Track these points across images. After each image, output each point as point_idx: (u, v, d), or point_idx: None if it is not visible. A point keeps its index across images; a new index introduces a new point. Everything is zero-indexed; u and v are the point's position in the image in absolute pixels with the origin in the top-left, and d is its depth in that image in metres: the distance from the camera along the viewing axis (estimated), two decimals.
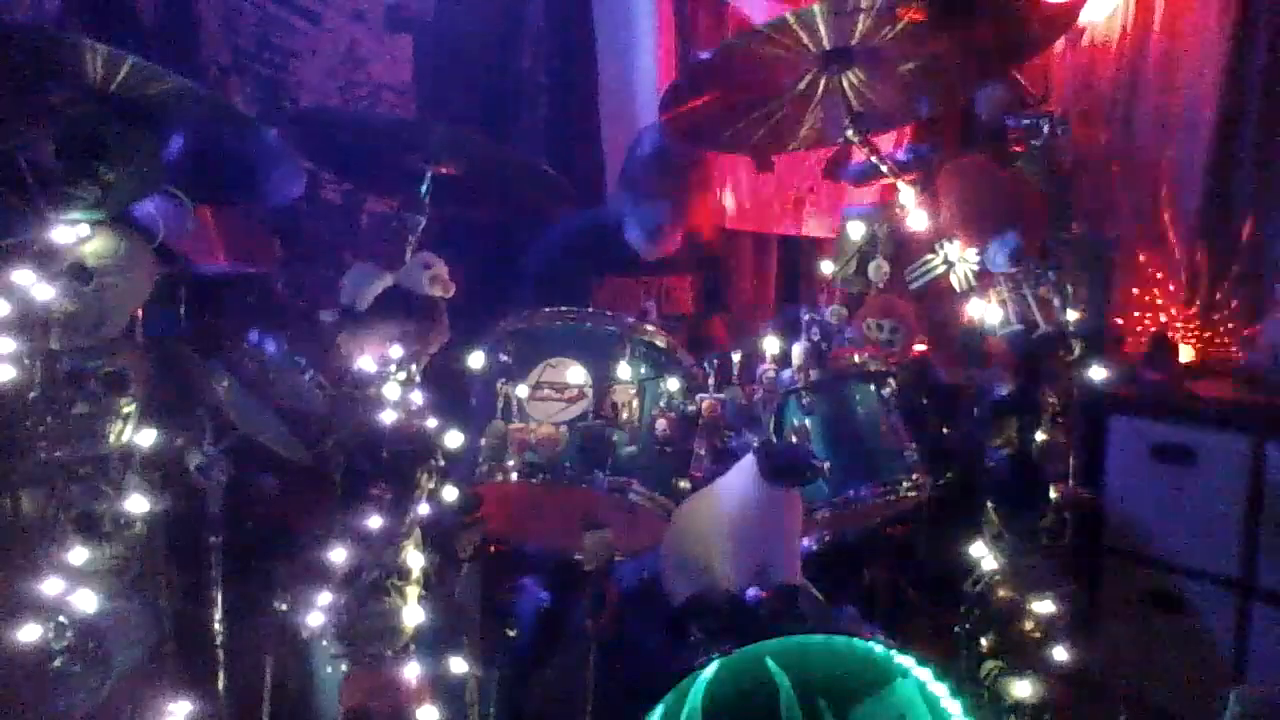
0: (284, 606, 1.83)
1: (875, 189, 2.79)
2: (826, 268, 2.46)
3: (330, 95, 2.89)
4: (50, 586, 1.50)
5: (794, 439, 2.02)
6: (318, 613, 1.73)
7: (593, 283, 2.66)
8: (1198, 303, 3.10)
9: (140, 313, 1.71)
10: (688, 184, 2.66)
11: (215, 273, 2.24)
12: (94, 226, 1.59)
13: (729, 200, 3.37)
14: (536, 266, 2.76)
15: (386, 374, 1.83)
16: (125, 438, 1.64)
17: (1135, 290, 3.24)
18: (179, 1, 2.56)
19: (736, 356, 2.18)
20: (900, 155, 2.38)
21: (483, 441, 1.95)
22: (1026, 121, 2.32)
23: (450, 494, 1.85)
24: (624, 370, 1.97)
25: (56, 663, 1.53)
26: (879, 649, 1.48)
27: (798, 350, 2.08)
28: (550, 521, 2.10)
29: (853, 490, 2.01)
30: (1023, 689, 1.97)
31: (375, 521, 1.70)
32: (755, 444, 1.88)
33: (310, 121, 2.58)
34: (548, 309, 2.07)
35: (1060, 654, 2.01)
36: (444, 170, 2.14)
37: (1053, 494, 2.07)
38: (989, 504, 2.07)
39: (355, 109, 2.90)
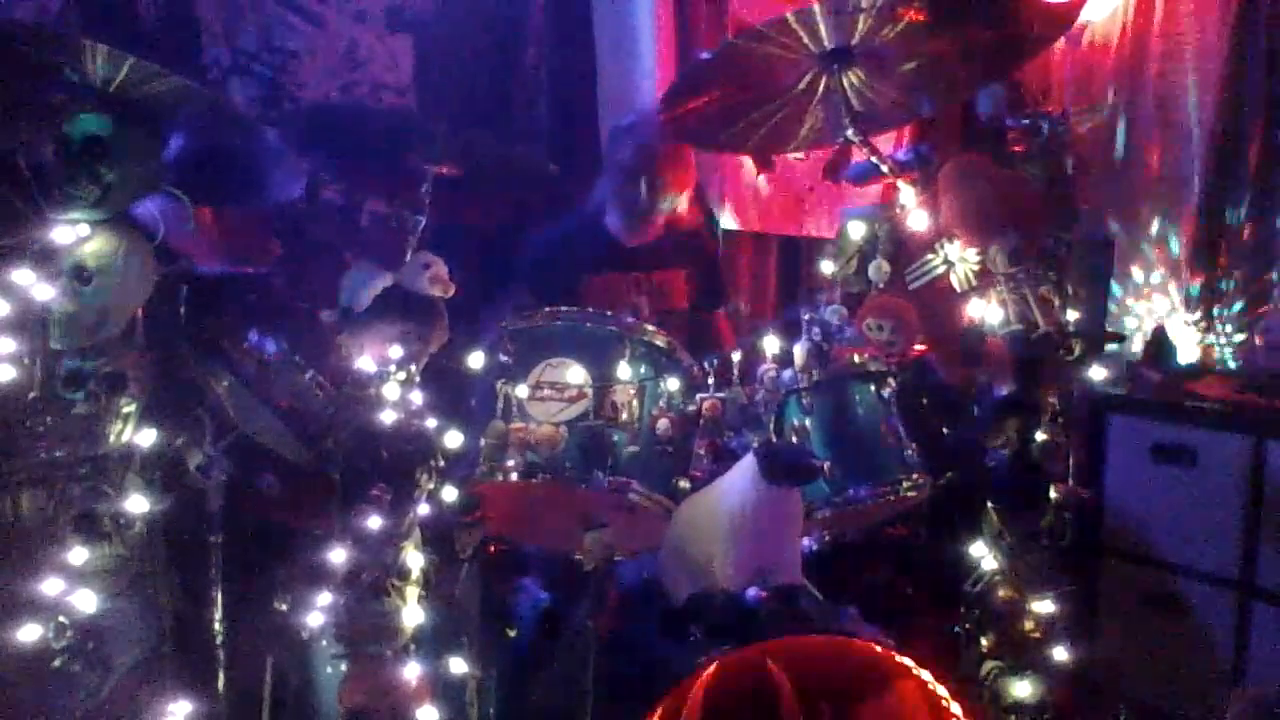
0: (284, 606, 1.83)
1: (875, 189, 2.79)
2: (826, 268, 2.46)
3: (330, 95, 2.89)
4: (50, 586, 1.50)
5: (794, 439, 2.03)
6: (318, 613, 1.74)
7: (583, 278, 2.66)
8: (1198, 303, 3.10)
9: (140, 313, 1.71)
10: (664, 166, 2.65)
11: (215, 273, 2.23)
12: (94, 226, 1.59)
13: (728, 201, 3.36)
14: (528, 263, 2.76)
15: (386, 374, 1.83)
16: (125, 438, 1.64)
17: (1135, 290, 3.24)
18: (179, 1, 2.56)
19: (737, 356, 2.18)
20: (900, 155, 2.38)
21: (483, 441, 1.94)
22: (1026, 121, 2.32)
23: (450, 494, 1.85)
24: (624, 370, 1.97)
25: (56, 663, 1.53)
26: (879, 649, 1.48)
27: (799, 350, 2.08)
28: (550, 521, 2.10)
29: (853, 490, 2.01)
30: (1023, 689, 1.97)
31: (375, 521, 1.70)
32: (755, 444, 1.88)
33: (312, 118, 2.57)
34: (548, 309, 2.07)
35: (1060, 654, 2.01)
36: (444, 171, 2.14)
37: (1053, 494, 2.07)
38: (989, 504, 2.08)
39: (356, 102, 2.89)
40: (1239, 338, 3.03)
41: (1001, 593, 2.03)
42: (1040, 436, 2.07)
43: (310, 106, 2.82)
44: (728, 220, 3.36)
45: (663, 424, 1.98)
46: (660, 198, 2.66)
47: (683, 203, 2.78)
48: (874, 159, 2.19)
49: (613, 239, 2.72)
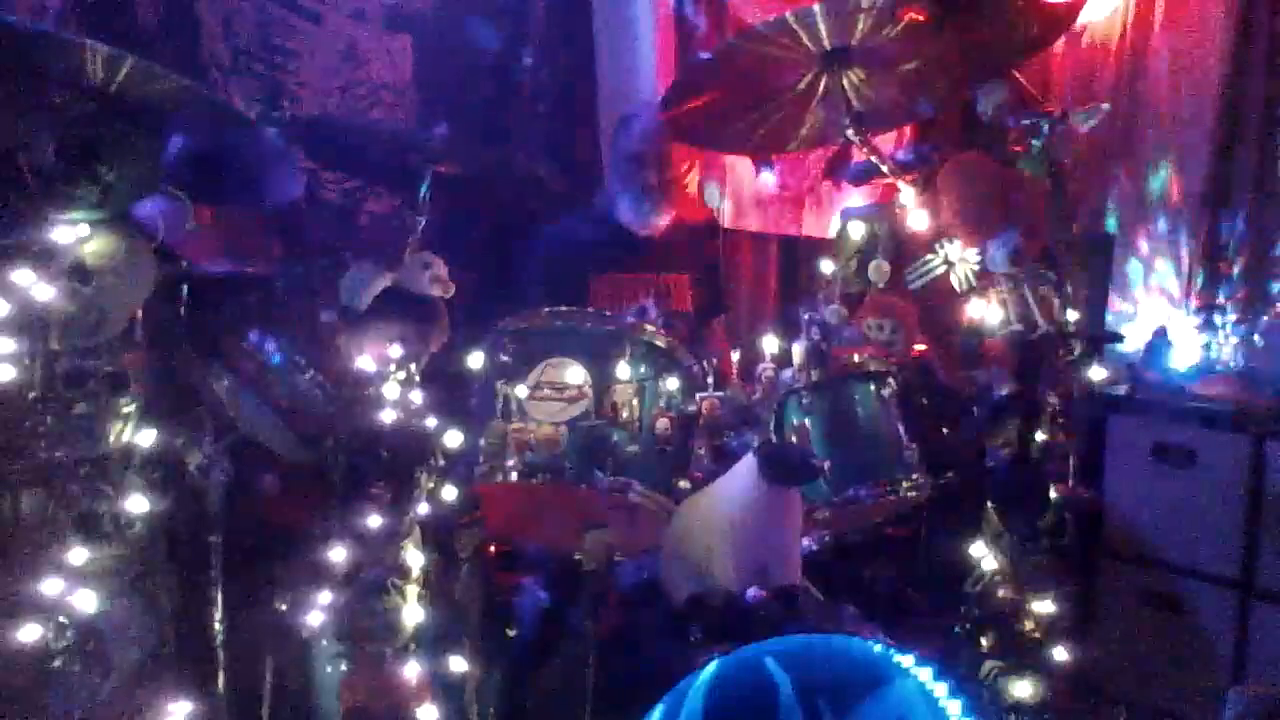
0: (284, 606, 1.83)
1: (875, 189, 2.79)
2: (826, 268, 2.46)
3: (330, 95, 2.89)
4: (50, 586, 1.50)
5: (794, 439, 2.02)
6: (318, 612, 1.73)
7: (591, 280, 2.66)
8: (1198, 303, 3.10)
9: (140, 313, 1.71)
10: (667, 144, 2.66)
11: (215, 273, 2.23)
12: (94, 226, 1.59)
13: (728, 201, 3.36)
14: (539, 266, 2.76)
15: (386, 374, 1.82)
16: (125, 438, 1.64)
17: (1135, 290, 3.24)
18: (179, 1, 2.56)
19: (736, 356, 2.18)
20: (900, 155, 2.38)
21: (483, 441, 1.94)
22: (1026, 121, 2.32)
23: (450, 494, 1.85)
24: (624, 370, 1.97)
25: (56, 663, 1.53)
26: (879, 649, 1.48)
27: (798, 350, 2.08)
28: (550, 521, 2.09)
29: (853, 490, 2.01)
30: (1023, 689, 1.97)
31: (375, 521, 1.70)
32: (755, 444, 1.88)
33: (312, 132, 2.57)
34: (547, 309, 2.07)
35: (1060, 654, 2.01)
36: (444, 170, 2.14)
37: (1053, 494, 2.07)
38: (989, 504, 2.08)
39: (357, 115, 2.89)
40: (1239, 338, 3.03)
41: (1001, 593, 2.03)
42: (1040, 436, 2.07)
43: (310, 120, 2.82)
44: (728, 220, 3.36)
45: (663, 424, 1.98)
46: (669, 181, 2.67)
47: (691, 185, 2.79)
48: (874, 159, 2.19)
49: (621, 240, 2.72)
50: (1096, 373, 2.22)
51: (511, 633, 2.20)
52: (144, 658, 1.67)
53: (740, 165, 3.34)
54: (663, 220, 2.71)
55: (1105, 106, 3.00)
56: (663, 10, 3.26)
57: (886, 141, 2.92)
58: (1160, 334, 3.02)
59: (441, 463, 1.81)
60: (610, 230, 2.74)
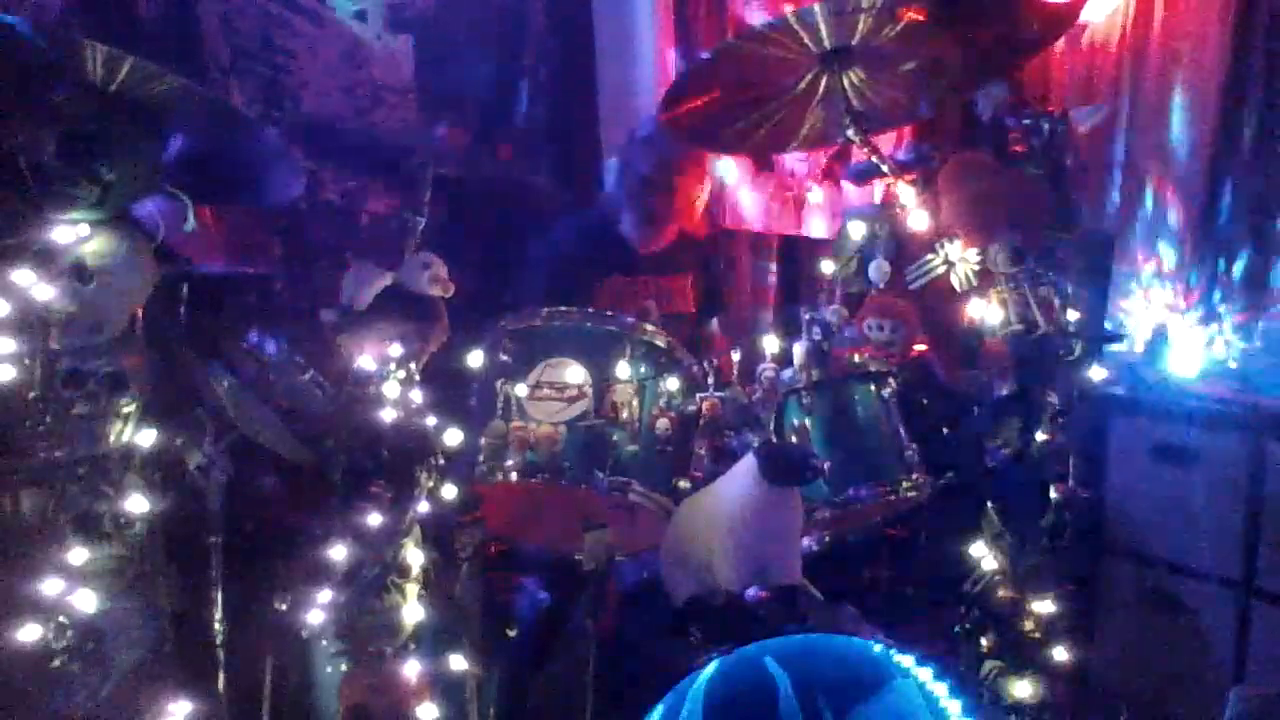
0: (284, 606, 1.83)
1: (875, 189, 2.79)
2: (826, 268, 2.46)
3: (331, 95, 2.89)
4: (50, 586, 1.50)
5: (794, 439, 2.03)
6: (318, 611, 1.73)
7: (594, 282, 2.66)
8: (1198, 302, 3.10)
9: (140, 313, 1.71)
10: (681, 173, 2.65)
11: (215, 273, 2.23)
12: (94, 226, 1.59)
13: (728, 201, 3.37)
14: (540, 267, 2.76)
15: (386, 373, 1.83)
16: (125, 438, 1.64)
17: (1135, 290, 3.24)
18: (179, 1, 2.56)
19: (736, 356, 2.18)
20: (901, 155, 2.39)
21: (483, 441, 1.94)
22: (1026, 121, 2.32)
23: (450, 493, 1.85)
24: (624, 370, 1.97)
25: (56, 663, 1.52)
26: (879, 649, 1.48)
27: (799, 350, 2.08)
28: (550, 521, 2.10)
29: (853, 490, 2.01)
30: (1023, 689, 1.97)
31: (375, 520, 1.70)
32: (755, 444, 1.88)
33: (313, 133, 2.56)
34: (547, 309, 2.07)
35: (1060, 654, 2.01)
36: (444, 172, 2.14)
37: (1053, 494, 2.07)
38: (989, 504, 2.08)
39: (358, 116, 2.88)
40: (1239, 338, 3.03)
41: (1001, 593, 2.03)
42: (1040, 436, 2.07)
43: (311, 120, 2.80)
44: (728, 220, 3.36)
45: (663, 424, 1.98)
46: (678, 207, 2.67)
47: (698, 209, 2.79)
48: (874, 159, 2.19)
49: (622, 242, 2.72)
50: (1096, 373, 2.22)
51: (511, 633, 2.20)
52: (144, 658, 1.67)
53: (740, 165, 3.34)
54: (663, 242, 2.71)
55: (1105, 107, 3.02)
56: (663, 10, 3.26)
57: (886, 141, 2.92)
58: (1160, 334, 3.02)
59: (441, 462, 1.81)
60: (610, 230, 2.74)
